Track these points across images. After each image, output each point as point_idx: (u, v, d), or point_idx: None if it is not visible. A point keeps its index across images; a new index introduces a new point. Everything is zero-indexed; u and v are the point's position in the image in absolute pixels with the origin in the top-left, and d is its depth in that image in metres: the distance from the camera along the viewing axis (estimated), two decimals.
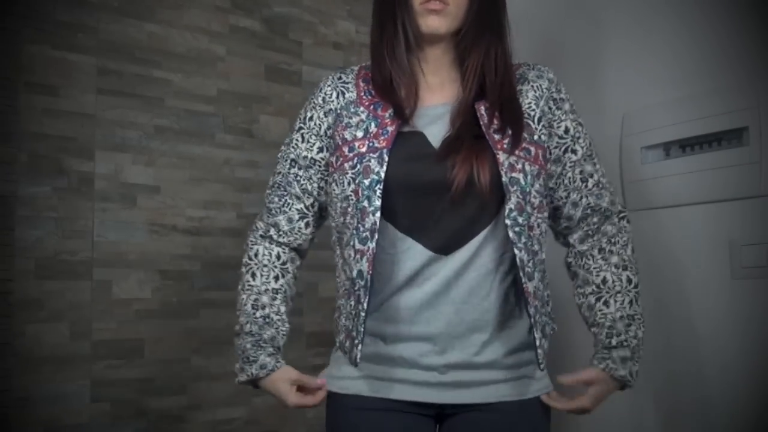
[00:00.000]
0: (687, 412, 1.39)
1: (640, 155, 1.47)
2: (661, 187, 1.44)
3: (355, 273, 1.10)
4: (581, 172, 1.19)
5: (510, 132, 1.10)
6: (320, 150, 1.21)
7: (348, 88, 1.20)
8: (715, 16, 1.37)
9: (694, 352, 1.38)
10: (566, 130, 1.18)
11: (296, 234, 1.25)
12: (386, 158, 1.08)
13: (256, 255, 1.23)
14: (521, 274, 1.06)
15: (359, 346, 1.08)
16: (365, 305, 1.07)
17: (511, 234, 1.06)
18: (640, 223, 1.48)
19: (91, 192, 1.73)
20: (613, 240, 1.20)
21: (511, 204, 1.07)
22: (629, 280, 1.17)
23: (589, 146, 1.21)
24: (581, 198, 1.19)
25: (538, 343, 1.08)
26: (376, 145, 1.10)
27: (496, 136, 1.09)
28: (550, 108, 1.17)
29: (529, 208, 1.09)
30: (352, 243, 1.10)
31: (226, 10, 1.98)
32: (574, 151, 1.19)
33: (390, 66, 1.15)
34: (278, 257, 1.24)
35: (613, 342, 1.13)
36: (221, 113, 1.96)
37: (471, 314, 1.09)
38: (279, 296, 1.22)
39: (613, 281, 1.17)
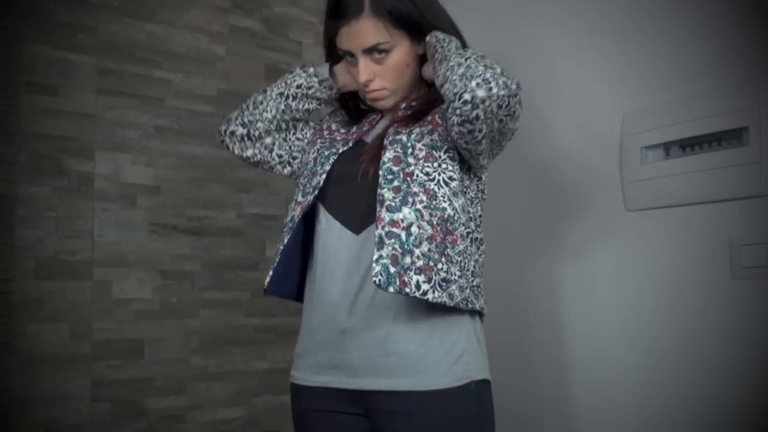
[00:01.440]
0: (687, 412, 1.39)
1: (640, 155, 1.47)
2: (661, 187, 1.44)
3: None
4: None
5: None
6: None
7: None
8: (715, 16, 1.37)
9: (694, 352, 1.38)
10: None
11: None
12: (349, 145, 1.28)
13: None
14: (377, 206, 1.13)
15: None
16: None
17: (380, 179, 1.15)
18: (640, 223, 1.48)
19: (91, 192, 1.73)
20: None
21: (384, 158, 1.17)
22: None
23: None
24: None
25: (375, 258, 1.10)
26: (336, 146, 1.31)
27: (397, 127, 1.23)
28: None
29: (410, 159, 1.17)
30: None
31: (226, 10, 1.99)
32: None
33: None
34: None
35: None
36: (221, 113, 1.95)
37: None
38: None
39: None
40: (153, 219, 1.82)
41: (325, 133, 1.36)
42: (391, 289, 1.08)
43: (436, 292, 1.11)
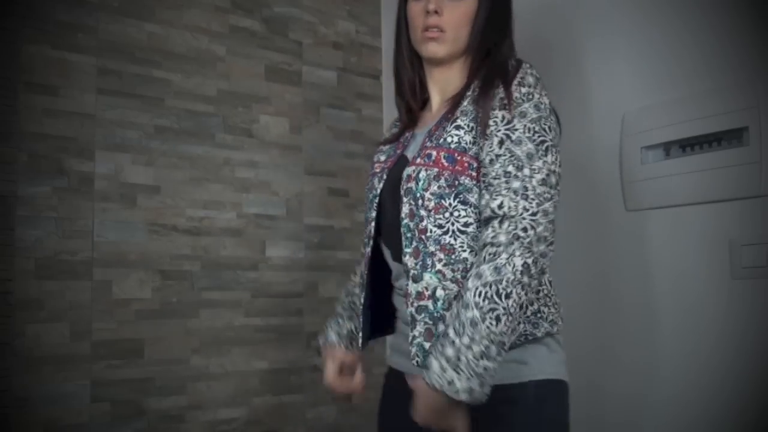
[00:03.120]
0: (687, 411, 1.39)
1: (640, 155, 1.47)
2: (661, 187, 1.44)
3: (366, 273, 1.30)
4: (493, 174, 1.09)
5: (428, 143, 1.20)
6: None
7: (397, 124, 1.41)
8: (715, 16, 1.37)
9: (694, 352, 1.38)
10: (499, 120, 1.10)
11: None
12: (385, 177, 1.25)
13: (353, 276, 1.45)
14: (406, 277, 1.14)
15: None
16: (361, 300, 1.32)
17: (403, 240, 1.15)
18: (640, 223, 1.48)
19: (91, 192, 1.73)
20: (484, 253, 1.06)
21: (402, 213, 1.16)
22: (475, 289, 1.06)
23: (504, 150, 1.09)
24: (485, 202, 1.09)
25: (409, 339, 1.12)
26: (385, 166, 1.28)
27: (410, 156, 1.22)
28: (480, 105, 1.13)
29: (422, 212, 1.13)
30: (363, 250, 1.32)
31: (226, 10, 1.99)
32: (489, 151, 1.10)
33: (399, 84, 1.33)
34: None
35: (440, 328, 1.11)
36: (221, 113, 1.96)
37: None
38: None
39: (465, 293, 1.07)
40: (153, 219, 1.82)
41: (370, 170, 1.34)
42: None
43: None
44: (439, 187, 1.12)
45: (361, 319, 1.28)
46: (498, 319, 1.01)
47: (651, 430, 1.45)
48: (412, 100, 1.32)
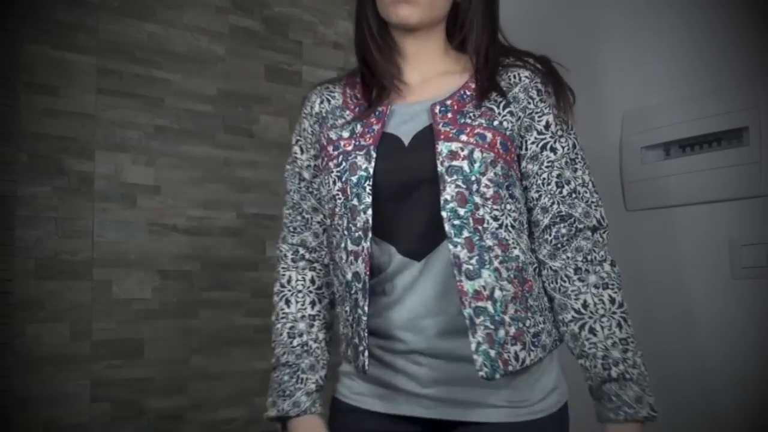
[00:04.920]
0: (687, 412, 1.39)
1: (640, 155, 1.47)
2: (661, 187, 1.44)
3: (349, 276, 1.04)
4: (558, 176, 1.08)
5: (466, 120, 1.05)
6: (315, 157, 1.16)
7: (334, 96, 1.16)
8: (715, 16, 1.37)
9: (694, 352, 1.38)
10: (547, 125, 1.08)
11: (325, 248, 1.18)
12: (374, 154, 1.03)
13: (289, 281, 1.17)
14: (456, 271, 0.99)
15: (365, 353, 1.02)
16: (366, 309, 1.02)
17: (447, 227, 0.99)
18: (640, 223, 1.48)
19: (91, 192, 1.73)
20: (588, 257, 1.07)
21: (446, 195, 1.00)
22: (612, 300, 1.06)
23: (572, 149, 1.09)
24: (552, 204, 1.08)
25: (474, 348, 0.98)
26: (362, 143, 1.06)
27: (444, 128, 1.04)
28: (530, 97, 1.08)
29: (477, 199, 1.00)
30: (343, 245, 1.05)
31: (226, 10, 1.99)
32: (553, 150, 1.08)
33: (366, 56, 1.13)
34: (312, 281, 1.18)
35: (613, 374, 1.02)
36: (221, 113, 1.96)
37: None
38: (317, 323, 1.15)
39: (595, 304, 1.05)
40: (153, 219, 1.82)
41: (332, 151, 1.09)
42: (497, 376, 0.98)
43: (531, 354, 1.02)
44: (495, 174, 1.02)
45: (365, 341, 1.03)
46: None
47: (651, 429, 1.45)
48: (394, 69, 1.12)
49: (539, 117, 1.08)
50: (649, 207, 1.47)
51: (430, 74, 1.13)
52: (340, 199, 1.05)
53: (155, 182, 1.83)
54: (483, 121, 1.05)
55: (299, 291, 1.16)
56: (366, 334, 1.02)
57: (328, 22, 2.20)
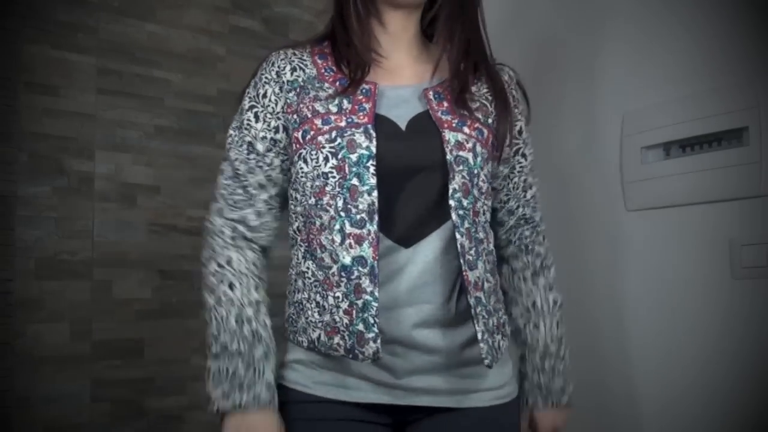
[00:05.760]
0: (687, 412, 1.39)
1: (640, 155, 1.47)
2: (661, 187, 1.44)
3: (348, 260, 0.97)
4: (524, 181, 1.16)
5: (465, 111, 1.04)
6: (277, 130, 1.06)
7: (306, 64, 1.09)
8: (715, 16, 1.37)
9: (694, 352, 1.38)
10: (520, 131, 1.14)
11: (266, 229, 1.11)
12: (374, 133, 0.98)
13: (229, 262, 1.06)
14: (462, 261, 0.98)
15: (377, 340, 0.95)
16: (376, 294, 0.95)
17: (454, 216, 0.98)
18: (640, 223, 1.48)
19: (91, 192, 1.73)
20: (544, 262, 1.19)
21: (455, 184, 0.99)
22: (555, 302, 1.18)
23: (532, 156, 1.17)
24: (518, 207, 1.16)
25: (480, 336, 0.98)
26: (356, 120, 0.99)
27: (444, 117, 1.02)
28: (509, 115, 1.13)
29: (476, 192, 1.01)
30: (338, 227, 0.98)
31: (226, 10, 1.99)
32: (524, 156, 1.15)
33: (346, 25, 1.12)
34: (255, 264, 1.09)
35: (546, 366, 1.15)
36: (221, 113, 1.96)
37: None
38: (262, 309, 1.07)
39: (542, 304, 1.17)
40: (153, 219, 1.82)
41: (321, 125, 1.01)
42: (493, 364, 1.01)
43: (503, 343, 1.07)
44: (488, 170, 1.06)
45: (376, 327, 0.95)
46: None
47: (651, 429, 1.45)
48: (374, 43, 1.10)
49: (515, 122, 1.13)
50: (649, 207, 1.47)
51: (408, 55, 1.11)
52: (333, 177, 0.98)
53: (155, 182, 1.83)
54: (480, 116, 1.06)
55: (243, 273, 1.06)
56: (377, 320, 0.95)
57: (328, 22, 2.20)
